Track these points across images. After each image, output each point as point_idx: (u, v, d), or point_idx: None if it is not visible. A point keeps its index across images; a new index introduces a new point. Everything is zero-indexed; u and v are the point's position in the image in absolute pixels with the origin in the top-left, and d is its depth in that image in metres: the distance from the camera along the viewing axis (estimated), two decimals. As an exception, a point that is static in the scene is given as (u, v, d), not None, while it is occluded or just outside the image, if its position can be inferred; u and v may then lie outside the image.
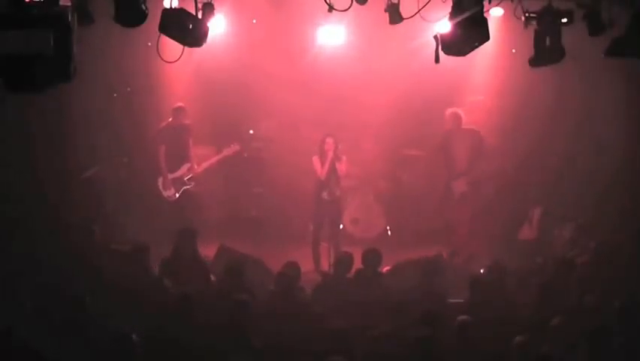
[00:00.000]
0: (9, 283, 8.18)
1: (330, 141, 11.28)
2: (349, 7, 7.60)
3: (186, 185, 11.87)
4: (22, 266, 8.68)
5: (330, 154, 11.27)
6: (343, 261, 9.39)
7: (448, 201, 11.83)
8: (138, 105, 12.28)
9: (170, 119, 11.85)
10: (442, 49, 7.41)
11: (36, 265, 8.71)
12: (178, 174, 11.84)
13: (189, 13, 7.69)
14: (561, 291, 8.64)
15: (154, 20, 7.46)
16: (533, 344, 7.26)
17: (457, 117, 11.71)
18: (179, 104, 11.84)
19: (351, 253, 9.49)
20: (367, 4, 8.30)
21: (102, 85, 11.76)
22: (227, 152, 12.09)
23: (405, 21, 8.72)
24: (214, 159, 12.08)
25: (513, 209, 12.15)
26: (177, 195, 11.79)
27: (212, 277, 9.50)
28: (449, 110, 11.76)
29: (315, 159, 11.35)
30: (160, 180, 11.78)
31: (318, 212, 11.55)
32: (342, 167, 11.38)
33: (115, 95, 12.42)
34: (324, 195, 11.41)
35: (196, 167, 11.91)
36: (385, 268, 9.88)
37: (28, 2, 5.78)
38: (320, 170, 11.31)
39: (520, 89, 11.92)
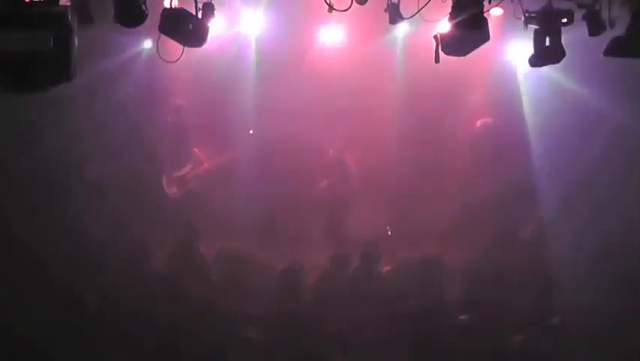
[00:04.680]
0: (10, 283, 8.18)
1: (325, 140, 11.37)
2: (349, 7, 7.59)
3: (189, 184, 11.92)
4: (24, 266, 8.69)
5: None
6: (340, 261, 9.40)
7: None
8: (138, 105, 12.28)
9: (170, 119, 11.87)
10: (442, 49, 7.41)
11: (38, 265, 8.72)
12: (181, 173, 11.89)
13: (189, 13, 7.69)
14: (561, 291, 8.65)
15: (154, 20, 7.46)
16: (533, 344, 7.27)
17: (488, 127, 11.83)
18: (179, 102, 11.87)
19: (350, 252, 9.51)
20: (367, 4, 8.29)
21: (102, 85, 11.75)
22: (227, 154, 12.15)
23: (405, 21, 8.72)
24: (214, 161, 12.12)
25: (513, 209, 12.13)
26: (180, 194, 11.85)
27: (213, 277, 9.51)
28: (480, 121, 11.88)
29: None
30: (164, 179, 11.84)
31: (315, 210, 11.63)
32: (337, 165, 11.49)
33: (115, 95, 12.41)
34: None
35: (198, 167, 11.96)
36: (385, 268, 9.88)
37: (28, 2, 5.78)
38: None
39: (519, 89, 11.91)
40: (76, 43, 6.11)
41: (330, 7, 7.94)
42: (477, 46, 7.39)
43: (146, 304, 8.00)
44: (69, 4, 6.42)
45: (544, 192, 12.13)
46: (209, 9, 8.01)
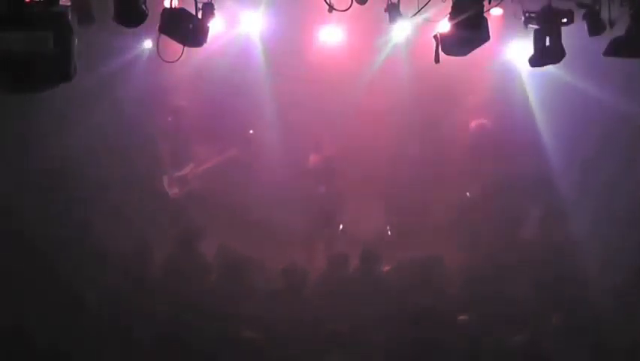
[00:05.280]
0: (9, 283, 8.18)
1: (325, 140, 11.36)
2: (349, 7, 7.59)
3: (189, 184, 11.94)
4: (23, 266, 8.69)
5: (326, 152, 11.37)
6: (339, 261, 9.41)
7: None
8: (138, 105, 12.28)
9: (170, 119, 11.88)
10: (442, 49, 7.41)
11: (38, 265, 8.72)
12: (182, 173, 11.90)
13: (189, 13, 7.70)
14: (561, 290, 8.65)
15: (154, 20, 7.46)
16: (533, 344, 7.28)
17: (483, 128, 11.83)
18: (178, 102, 11.88)
19: (348, 253, 9.52)
20: (367, 4, 8.28)
21: (102, 85, 11.75)
22: (227, 154, 12.17)
23: (405, 21, 8.73)
24: (215, 161, 12.13)
25: (512, 209, 12.13)
26: (180, 193, 11.88)
27: (212, 277, 9.51)
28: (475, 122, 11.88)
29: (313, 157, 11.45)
30: (165, 179, 11.85)
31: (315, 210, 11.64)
32: (337, 165, 11.46)
33: (115, 95, 12.41)
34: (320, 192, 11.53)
35: (198, 167, 11.98)
36: (385, 268, 9.88)
37: (29, 2, 5.77)
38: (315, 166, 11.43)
39: (519, 89, 11.92)
40: (76, 43, 6.11)
41: (330, 7, 7.93)
42: (477, 46, 7.39)
43: (145, 303, 8.00)
44: (69, 4, 6.42)
45: (545, 192, 12.14)
46: (209, 9, 8.02)
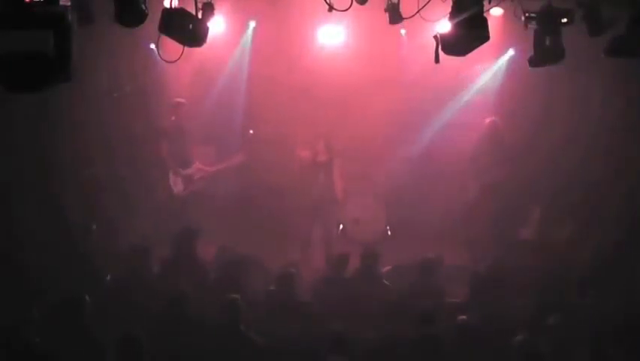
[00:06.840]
0: (11, 284, 8.18)
1: (322, 143, 11.42)
2: (349, 7, 7.59)
3: (195, 184, 11.99)
4: (24, 267, 8.69)
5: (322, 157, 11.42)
6: (339, 261, 9.41)
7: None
8: (139, 105, 12.29)
9: (171, 119, 11.91)
10: (442, 49, 7.41)
11: (36, 266, 8.72)
12: (189, 172, 11.96)
13: (189, 13, 7.70)
14: (560, 291, 8.66)
15: (154, 20, 7.47)
16: (532, 344, 7.28)
17: (496, 126, 11.85)
18: (179, 102, 11.90)
19: (348, 253, 9.52)
20: (367, 4, 8.29)
21: (102, 85, 11.76)
22: (227, 154, 12.23)
23: (405, 21, 8.73)
24: (221, 165, 12.23)
25: (513, 209, 12.14)
26: (181, 193, 11.93)
27: (212, 277, 9.50)
28: (489, 120, 11.89)
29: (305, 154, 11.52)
30: (171, 175, 11.91)
31: (315, 213, 11.68)
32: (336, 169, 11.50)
33: (115, 94, 12.42)
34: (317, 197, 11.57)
35: (204, 168, 12.07)
36: (385, 269, 9.89)
37: (29, 2, 5.77)
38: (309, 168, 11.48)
39: (519, 90, 11.93)
40: (76, 43, 6.10)
41: (330, 7, 7.93)
42: (477, 46, 7.38)
43: (144, 304, 8.01)
44: (69, 4, 6.41)
45: (544, 192, 12.15)
46: (209, 9, 8.03)
